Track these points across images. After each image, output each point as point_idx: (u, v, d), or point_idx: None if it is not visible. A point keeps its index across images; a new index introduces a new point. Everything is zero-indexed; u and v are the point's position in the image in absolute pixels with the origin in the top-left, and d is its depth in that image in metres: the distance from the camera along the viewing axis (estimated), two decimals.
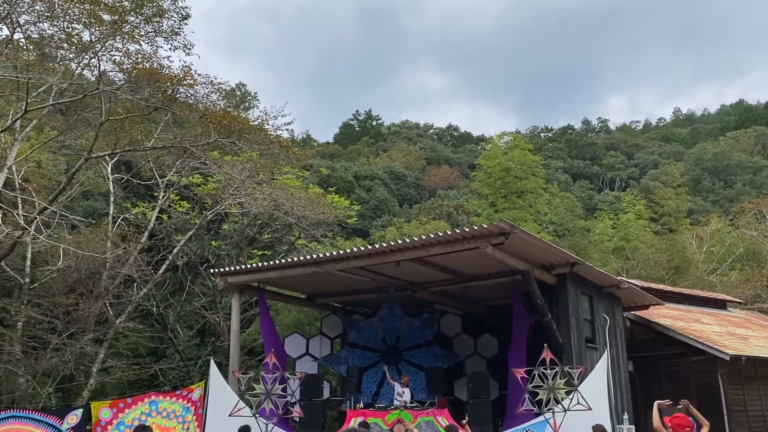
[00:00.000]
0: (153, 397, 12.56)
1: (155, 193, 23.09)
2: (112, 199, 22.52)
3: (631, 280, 18.39)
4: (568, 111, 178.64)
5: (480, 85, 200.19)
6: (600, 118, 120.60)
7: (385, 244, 12.39)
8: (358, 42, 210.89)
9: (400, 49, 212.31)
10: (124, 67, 16.36)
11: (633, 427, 13.43)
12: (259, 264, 14.35)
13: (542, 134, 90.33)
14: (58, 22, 16.03)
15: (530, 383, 10.50)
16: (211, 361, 13.67)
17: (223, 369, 15.60)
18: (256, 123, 20.04)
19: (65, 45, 16.61)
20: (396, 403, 13.34)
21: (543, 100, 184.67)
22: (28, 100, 15.57)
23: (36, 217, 16.43)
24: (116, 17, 15.41)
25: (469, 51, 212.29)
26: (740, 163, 62.17)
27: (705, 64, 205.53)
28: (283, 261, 13.84)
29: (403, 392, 13.56)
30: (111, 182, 22.41)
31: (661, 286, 22.23)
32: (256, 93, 60.69)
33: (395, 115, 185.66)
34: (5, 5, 15.02)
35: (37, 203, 16.95)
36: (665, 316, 18.54)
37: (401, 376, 14.46)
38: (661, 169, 61.37)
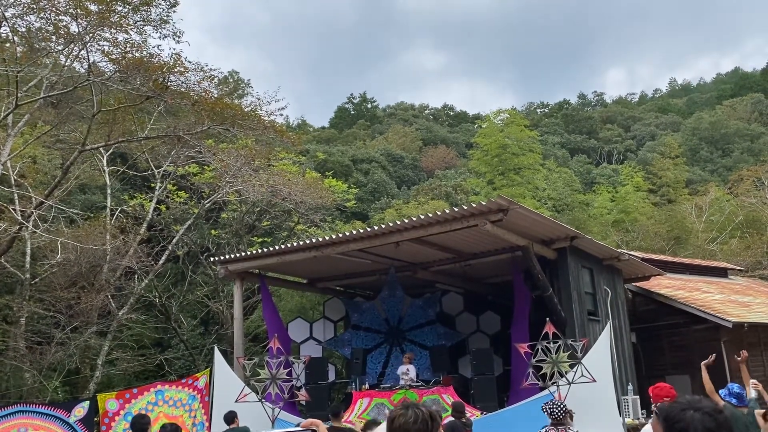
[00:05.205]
0: (159, 387, 12.58)
1: (152, 184, 23.01)
2: (109, 191, 22.42)
3: (632, 252, 18.38)
4: (565, 86, 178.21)
5: (476, 64, 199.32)
6: (596, 91, 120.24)
7: (384, 226, 12.36)
8: (354, 25, 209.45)
9: (396, 30, 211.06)
10: (113, 56, 16.21)
11: (638, 397, 13.48)
12: (260, 250, 14.31)
13: (538, 110, 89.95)
14: (44, 14, 15.85)
15: (534, 358, 10.53)
16: (216, 349, 13.69)
17: (228, 356, 15.65)
18: (249, 109, 19.91)
19: (53, 37, 16.44)
20: (402, 382, 13.39)
21: (539, 76, 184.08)
22: (19, 95, 15.43)
23: (33, 212, 16.37)
24: (102, 7, 15.22)
25: (466, 29, 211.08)
26: (737, 131, 61.90)
27: (702, 34, 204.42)
28: (283, 246, 13.81)
29: (408, 370, 13.59)
30: (107, 175, 22.31)
31: (661, 257, 22.23)
32: (249, 80, 60.38)
33: (392, 97, 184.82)
34: None
35: (33, 198, 16.88)
36: (666, 286, 18.57)
37: (405, 354, 14.50)
38: (659, 141, 61.15)
